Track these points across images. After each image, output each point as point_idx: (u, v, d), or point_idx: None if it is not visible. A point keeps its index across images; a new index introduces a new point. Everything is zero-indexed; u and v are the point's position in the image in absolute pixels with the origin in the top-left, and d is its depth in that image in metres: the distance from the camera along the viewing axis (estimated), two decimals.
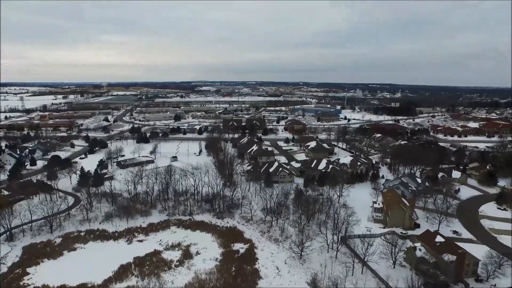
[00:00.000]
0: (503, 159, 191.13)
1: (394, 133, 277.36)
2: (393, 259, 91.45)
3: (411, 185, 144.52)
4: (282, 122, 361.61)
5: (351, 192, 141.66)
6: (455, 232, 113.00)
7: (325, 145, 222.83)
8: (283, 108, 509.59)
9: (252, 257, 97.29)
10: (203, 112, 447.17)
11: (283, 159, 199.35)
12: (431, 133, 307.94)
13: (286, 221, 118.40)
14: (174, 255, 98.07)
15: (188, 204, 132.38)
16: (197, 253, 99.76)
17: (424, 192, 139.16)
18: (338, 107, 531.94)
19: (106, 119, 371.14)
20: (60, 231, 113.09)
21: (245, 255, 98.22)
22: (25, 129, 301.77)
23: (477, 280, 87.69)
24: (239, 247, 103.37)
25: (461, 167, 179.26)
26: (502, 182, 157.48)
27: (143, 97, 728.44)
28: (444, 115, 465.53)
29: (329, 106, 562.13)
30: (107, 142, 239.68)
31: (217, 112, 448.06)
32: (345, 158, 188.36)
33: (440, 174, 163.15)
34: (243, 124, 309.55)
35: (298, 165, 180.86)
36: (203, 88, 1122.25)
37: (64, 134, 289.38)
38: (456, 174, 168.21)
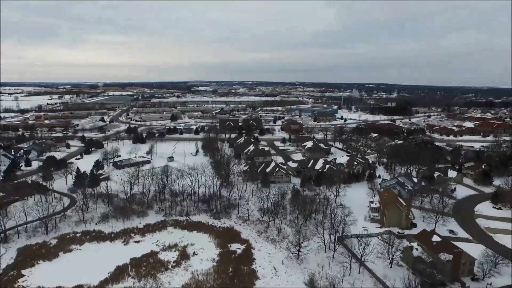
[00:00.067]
0: (498, 158, 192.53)
1: (391, 132, 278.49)
2: (390, 259, 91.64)
3: (407, 184, 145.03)
4: (279, 122, 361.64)
5: (348, 192, 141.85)
6: (451, 231, 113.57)
7: (321, 145, 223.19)
8: (280, 108, 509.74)
9: (249, 257, 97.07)
10: (200, 112, 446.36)
11: (280, 159, 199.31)
12: (427, 133, 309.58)
13: (283, 221, 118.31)
14: (171, 256, 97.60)
15: (184, 205, 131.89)
16: (194, 253, 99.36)
17: (421, 191, 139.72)
18: (335, 107, 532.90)
19: (102, 120, 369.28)
20: (56, 232, 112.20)
21: (242, 256, 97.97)
22: (20, 129, 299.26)
23: (473, 279, 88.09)
24: (236, 247, 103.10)
25: (457, 167, 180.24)
26: (497, 181, 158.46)
27: (140, 97, 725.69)
28: (440, 114, 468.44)
29: (325, 106, 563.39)
30: (103, 142, 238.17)
31: (213, 112, 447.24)
32: (342, 158, 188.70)
33: (436, 174, 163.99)
34: (239, 124, 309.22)
35: (295, 165, 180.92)
36: (200, 88, 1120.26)
37: (60, 134, 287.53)
38: (452, 173, 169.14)
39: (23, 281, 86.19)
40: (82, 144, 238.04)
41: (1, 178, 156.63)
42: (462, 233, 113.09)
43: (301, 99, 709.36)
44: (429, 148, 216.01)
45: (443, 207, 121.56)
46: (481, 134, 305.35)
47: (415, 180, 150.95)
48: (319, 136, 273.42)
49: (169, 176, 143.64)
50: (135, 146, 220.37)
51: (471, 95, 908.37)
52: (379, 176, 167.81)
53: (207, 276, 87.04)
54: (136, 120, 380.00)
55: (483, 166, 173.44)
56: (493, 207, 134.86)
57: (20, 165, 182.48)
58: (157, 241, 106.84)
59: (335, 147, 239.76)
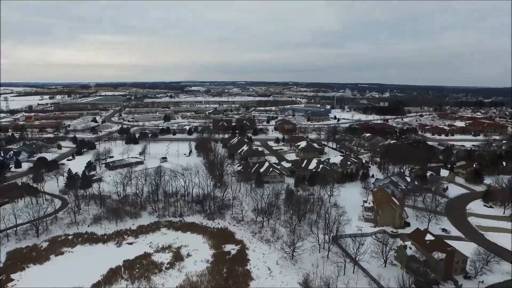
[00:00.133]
0: (489, 157, 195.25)
1: (383, 132, 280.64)
2: (384, 258, 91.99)
3: (400, 184, 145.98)
4: (272, 122, 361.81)
5: (341, 192, 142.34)
6: (444, 230, 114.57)
7: (315, 144, 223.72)
8: (273, 108, 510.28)
9: (244, 258, 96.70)
10: (193, 112, 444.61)
11: (273, 159, 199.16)
12: (419, 132, 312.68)
13: (277, 222, 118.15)
14: (164, 258, 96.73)
15: (178, 206, 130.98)
16: (188, 255, 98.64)
17: (414, 190, 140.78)
18: (328, 106, 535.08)
19: (94, 120, 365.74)
20: (47, 235, 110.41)
21: (237, 256, 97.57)
22: (9, 130, 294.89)
23: (466, 277, 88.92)
24: (231, 248, 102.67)
25: (449, 166, 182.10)
26: (488, 180, 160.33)
27: (132, 97, 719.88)
28: (432, 114, 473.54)
29: (318, 105, 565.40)
30: (95, 143, 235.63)
31: (207, 112, 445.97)
32: (335, 157, 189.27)
33: (428, 173, 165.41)
34: (233, 124, 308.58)
35: (288, 165, 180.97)
36: (193, 88, 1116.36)
37: (51, 135, 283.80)
38: (444, 172, 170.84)
39: (12, 286, 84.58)
40: (74, 145, 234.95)
41: None
42: (454, 232, 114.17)
43: (294, 99, 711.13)
44: (422, 147, 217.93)
45: (435, 206, 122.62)
46: (472, 133, 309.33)
47: (408, 179, 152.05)
48: (313, 136, 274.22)
49: (162, 176, 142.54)
50: (127, 147, 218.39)
51: (462, 95, 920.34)
52: (373, 176, 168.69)
53: (201, 278, 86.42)
54: (128, 121, 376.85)
55: (474, 165, 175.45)
56: (484, 206, 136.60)
57: (10, 166, 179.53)
58: (150, 242, 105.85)
59: (329, 147, 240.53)
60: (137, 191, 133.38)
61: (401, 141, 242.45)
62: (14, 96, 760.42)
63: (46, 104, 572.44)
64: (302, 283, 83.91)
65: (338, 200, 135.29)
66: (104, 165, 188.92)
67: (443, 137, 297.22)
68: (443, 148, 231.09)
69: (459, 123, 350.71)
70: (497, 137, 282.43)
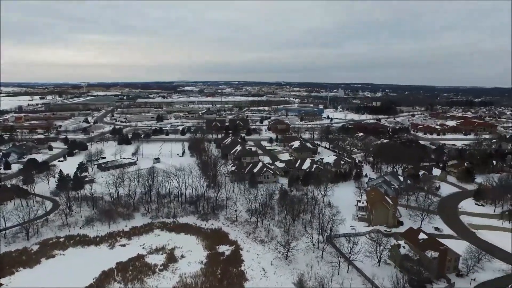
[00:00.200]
0: (479, 156, 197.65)
1: (376, 132, 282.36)
2: (378, 257, 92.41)
3: (393, 183, 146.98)
4: (266, 122, 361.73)
5: (335, 191, 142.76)
6: (436, 228, 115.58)
7: (308, 144, 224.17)
8: (266, 108, 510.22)
9: (238, 259, 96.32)
10: (186, 113, 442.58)
11: (267, 159, 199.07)
12: (412, 132, 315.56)
13: (272, 222, 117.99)
14: (158, 259, 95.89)
15: (171, 206, 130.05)
16: (182, 256, 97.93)
17: (406, 190, 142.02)
18: (321, 106, 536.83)
19: (86, 121, 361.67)
20: (38, 237, 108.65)
21: (231, 257, 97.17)
22: None
23: (458, 275, 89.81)
24: (225, 249, 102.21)
25: (441, 165, 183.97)
26: (479, 179, 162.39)
27: (125, 97, 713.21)
28: (423, 114, 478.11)
29: (312, 105, 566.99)
30: (87, 144, 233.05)
31: (200, 112, 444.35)
32: (329, 157, 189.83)
33: (421, 172, 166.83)
34: (226, 124, 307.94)
35: (282, 165, 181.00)
36: (186, 88, 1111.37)
37: (42, 136, 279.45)
38: (436, 171, 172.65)
39: None
40: (65, 146, 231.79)
41: None
42: (447, 230, 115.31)
43: (287, 99, 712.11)
44: (414, 146, 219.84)
45: (428, 205, 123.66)
46: (463, 132, 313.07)
47: (401, 178, 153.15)
48: (306, 135, 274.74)
49: (155, 177, 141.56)
50: (120, 148, 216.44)
51: (453, 95, 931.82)
52: (366, 175, 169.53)
53: (195, 279, 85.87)
54: (121, 121, 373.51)
55: (465, 164, 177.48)
56: (476, 204, 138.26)
57: None
58: (143, 244, 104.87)
59: (322, 146, 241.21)
60: (130, 192, 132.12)
61: (394, 141, 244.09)
62: (3, 96, 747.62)
63: (37, 104, 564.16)
64: (296, 283, 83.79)
65: (332, 199, 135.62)
66: (96, 166, 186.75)
67: (434, 136, 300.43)
68: (435, 147, 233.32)
69: (450, 123, 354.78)
70: (487, 136, 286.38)
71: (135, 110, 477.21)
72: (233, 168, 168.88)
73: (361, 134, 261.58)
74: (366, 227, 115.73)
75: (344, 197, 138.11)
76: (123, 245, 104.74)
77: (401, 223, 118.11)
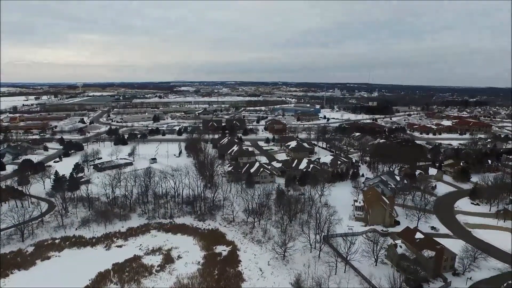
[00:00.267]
0: (475, 155, 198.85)
1: (373, 131, 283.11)
2: (375, 257, 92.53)
3: (390, 183, 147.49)
4: (262, 122, 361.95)
5: (332, 191, 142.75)
6: (433, 228, 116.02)
7: (305, 144, 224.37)
8: (263, 108, 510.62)
9: (235, 259, 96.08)
10: (183, 113, 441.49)
11: (264, 159, 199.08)
12: (408, 131, 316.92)
13: (269, 222, 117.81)
14: (154, 260, 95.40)
15: (168, 207, 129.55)
16: (179, 257, 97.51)
17: (403, 189, 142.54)
18: (317, 106, 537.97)
19: (82, 121, 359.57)
20: (33, 239, 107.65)
21: (228, 258, 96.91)
22: None
23: (454, 274, 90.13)
24: (222, 249, 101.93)
25: (437, 164, 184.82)
26: (474, 178, 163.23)
27: (121, 97, 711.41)
28: (419, 113, 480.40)
29: (308, 105, 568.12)
30: (83, 144, 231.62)
31: (196, 112, 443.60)
32: (326, 157, 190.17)
33: (417, 172, 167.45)
34: (223, 124, 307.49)
35: (279, 165, 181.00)
36: (182, 88, 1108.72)
37: (37, 136, 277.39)
38: (432, 171, 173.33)
39: None
40: (61, 147, 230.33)
41: None
42: (443, 229, 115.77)
43: (284, 99, 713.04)
44: (410, 146, 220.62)
45: (425, 204, 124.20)
46: (458, 132, 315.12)
47: (398, 178, 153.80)
48: (303, 135, 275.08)
49: (152, 178, 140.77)
50: (116, 148, 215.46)
51: (448, 95, 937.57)
52: (363, 175, 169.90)
53: (192, 280, 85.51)
54: (117, 121, 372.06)
55: (461, 164, 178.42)
56: (471, 203, 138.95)
57: None
58: (140, 245, 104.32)
59: (319, 146, 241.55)
60: (126, 193, 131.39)
61: (390, 140, 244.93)
62: None
63: (32, 105, 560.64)
64: (293, 283, 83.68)
65: (328, 199, 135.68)
66: (92, 166, 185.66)
67: (430, 136, 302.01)
68: (431, 147, 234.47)
69: (446, 122, 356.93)
70: (482, 136, 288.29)
71: (131, 110, 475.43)
72: (230, 168, 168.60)
73: (357, 134, 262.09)
74: (363, 227, 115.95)
75: (341, 197, 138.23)
76: (120, 246, 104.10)
77: (397, 223, 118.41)
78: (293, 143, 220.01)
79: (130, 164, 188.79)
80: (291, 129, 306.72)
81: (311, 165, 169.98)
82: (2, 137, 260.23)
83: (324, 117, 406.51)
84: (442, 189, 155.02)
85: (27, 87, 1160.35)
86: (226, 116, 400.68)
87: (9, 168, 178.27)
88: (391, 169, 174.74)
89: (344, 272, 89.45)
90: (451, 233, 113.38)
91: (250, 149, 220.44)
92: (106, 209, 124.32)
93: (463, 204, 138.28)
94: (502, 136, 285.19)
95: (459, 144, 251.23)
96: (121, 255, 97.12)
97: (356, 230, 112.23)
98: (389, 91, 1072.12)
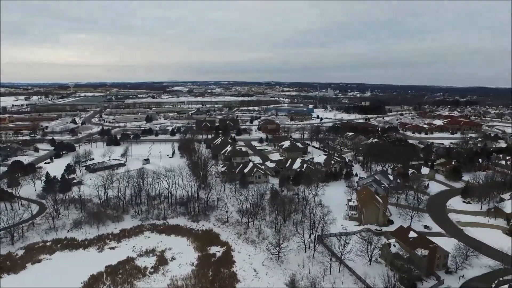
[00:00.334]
0: (466, 154, 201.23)
1: (366, 131, 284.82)
2: (369, 256, 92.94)
3: (383, 182, 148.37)
4: (256, 122, 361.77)
5: (326, 191, 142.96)
6: (426, 226, 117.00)
7: (299, 144, 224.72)
8: (256, 108, 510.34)
9: (229, 260, 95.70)
10: (176, 113, 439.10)
11: (257, 159, 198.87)
12: (400, 131, 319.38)
13: (263, 222, 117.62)
14: (148, 262, 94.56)
15: (162, 208, 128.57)
16: (173, 258, 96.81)
17: (396, 188, 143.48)
18: (311, 106, 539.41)
19: (74, 121, 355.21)
20: (23, 242, 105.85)
21: (222, 258, 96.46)
22: None
23: (447, 272, 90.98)
24: (216, 250, 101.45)
25: (429, 163, 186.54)
26: (466, 177, 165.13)
27: (113, 98, 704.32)
28: (411, 113, 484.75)
29: (301, 105, 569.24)
30: (75, 145, 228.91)
31: (189, 112, 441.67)
32: (319, 157, 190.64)
33: (410, 171, 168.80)
34: (216, 124, 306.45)
35: (272, 165, 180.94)
36: (175, 88, 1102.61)
37: (27, 137, 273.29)
38: (425, 170, 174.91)
39: None
40: (52, 148, 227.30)
41: None
42: (436, 228, 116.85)
43: (277, 98, 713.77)
44: (403, 145, 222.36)
45: (418, 203, 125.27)
46: (450, 131, 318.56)
47: (391, 177, 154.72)
48: (296, 135, 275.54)
49: (145, 179, 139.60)
50: (109, 149, 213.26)
51: (439, 94, 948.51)
52: (356, 174, 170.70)
53: (186, 281, 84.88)
54: (109, 122, 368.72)
55: (453, 162, 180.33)
56: (463, 202, 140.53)
57: None
58: (133, 246, 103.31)
59: (312, 146, 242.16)
60: (119, 194, 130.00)
61: (383, 140, 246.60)
62: None
63: (22, 105, 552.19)
64: (288, 283, 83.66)
65: (322, 199, 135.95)
66: (84, 167, 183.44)
67: (423, 135, 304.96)
68: (423, 146, 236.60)
69: (438, 122, 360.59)
70: (473, 135, 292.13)
71: (124, 110, 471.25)
72: (223, 169, 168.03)
73: (350, 133, 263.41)
74: (357, 226, 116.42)
75: (335, 197, 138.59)
76: (113, 248, 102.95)
77: (391, 222, 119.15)
78: (286, 143, 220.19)
79: (123, 165, 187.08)
80: (285, 129, 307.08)
81: (305, 165, 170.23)
82: None
83: (317, 117, 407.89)
84: (435, 188, 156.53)
85: (17, 87, 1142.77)
86: (220, 116, 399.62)
87: None
88: (384, 169, 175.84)
89: (339, 271, 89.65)
90: (443, 231, 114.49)
91: (244, 149, 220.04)
92: (99, 210, 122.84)
93: (455, 202, 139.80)
94: (492, 135, 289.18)
95: (451, 143, 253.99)
96: (114, 257, 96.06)
97: (350, 229, 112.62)
98: (381, 90, 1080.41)
